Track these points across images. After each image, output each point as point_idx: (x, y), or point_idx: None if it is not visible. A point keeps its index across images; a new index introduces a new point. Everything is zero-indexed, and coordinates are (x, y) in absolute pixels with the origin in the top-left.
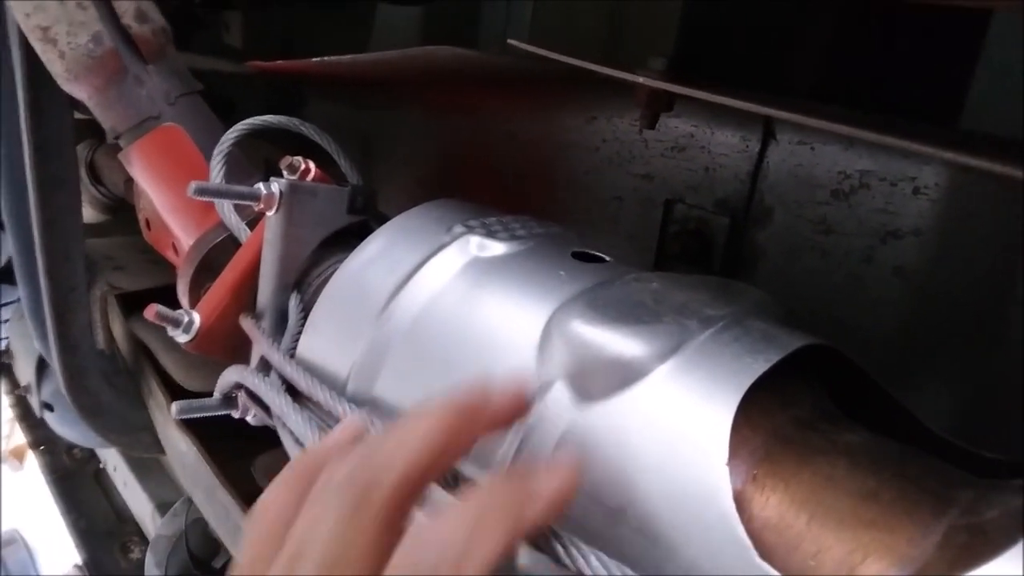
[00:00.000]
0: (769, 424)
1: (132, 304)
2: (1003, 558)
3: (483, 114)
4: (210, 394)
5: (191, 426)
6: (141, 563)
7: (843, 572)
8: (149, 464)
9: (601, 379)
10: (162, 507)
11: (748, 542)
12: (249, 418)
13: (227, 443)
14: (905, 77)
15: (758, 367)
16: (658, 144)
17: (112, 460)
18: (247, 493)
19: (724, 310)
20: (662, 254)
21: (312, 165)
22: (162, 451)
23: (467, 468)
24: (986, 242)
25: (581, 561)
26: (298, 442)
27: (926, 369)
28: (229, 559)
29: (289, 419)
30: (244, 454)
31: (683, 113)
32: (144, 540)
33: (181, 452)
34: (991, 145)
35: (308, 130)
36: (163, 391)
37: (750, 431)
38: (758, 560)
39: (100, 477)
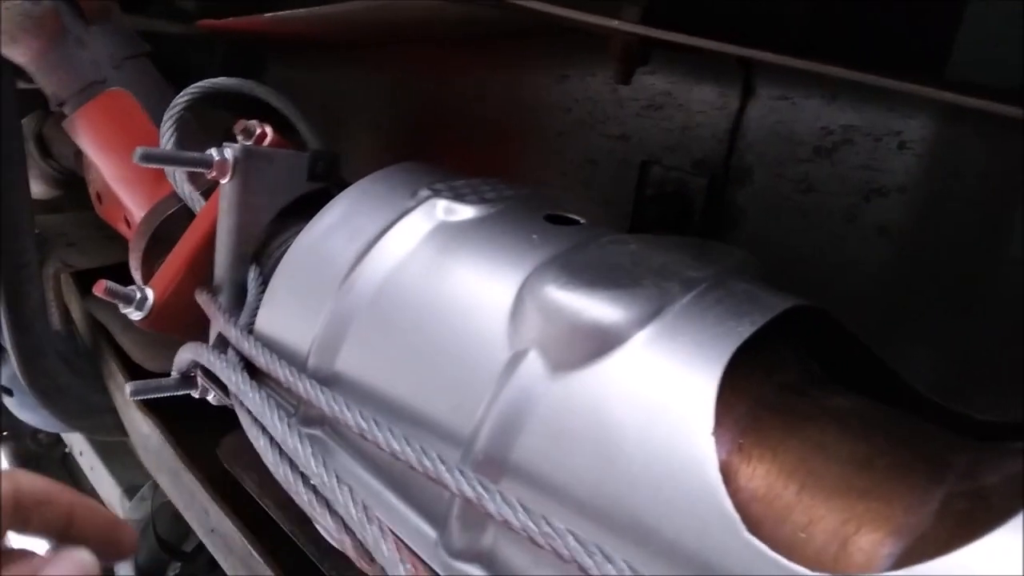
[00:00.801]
0: (754, 390)
1: (89, 282)
2: (1008, 526)
3: (450, 75)
4: (168, 374)
5: (153, 408)
6: None
7: (836, 544)
8: (116, 448)
9: (577, 347)
10: (130, 491)
11: (735, 515)
12: (210, 398)
13: (191, 424)
14: (890, 28)
15: (743, 331)
16: (633, 103)
17: (78, 444)
18: (213, 475)
19: (706, 271)
20: (639, 218)
21: (269, 129)
22: (125, 433)
23: (443, 449)
24: (973, 199)
25: (557, 542)
26: (256, 421)
27: (910, 331)
28: (199, 543)
29: (246, 398)
30: (209, 435)
31: (659, 70)
32: None
33: (144, 435)
34: (980, 92)
35: (264, 92)
36: (123, 372)
37: (734, 398)
38: (745, 534)
39: (67, 462)
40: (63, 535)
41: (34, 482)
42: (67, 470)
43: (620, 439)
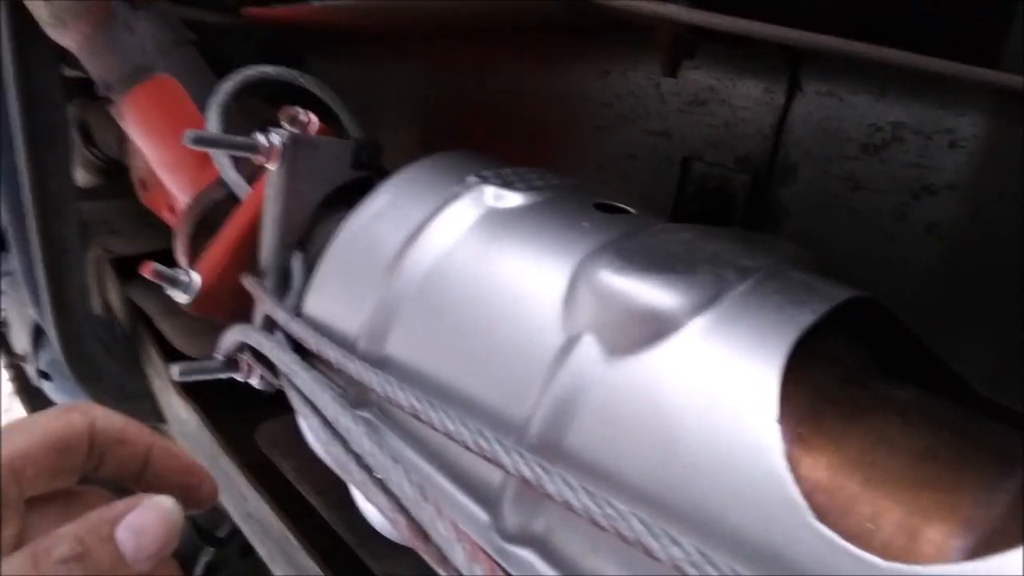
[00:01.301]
0: (814, 381)
1: (128, 269)
2: None
3: (490, 70)
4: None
5: (192, 393)
6: None
7: (904, 535)
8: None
9: (632, 331)
10: None
11: (802, 502)
12: (253, 381)
13: (229, 411)
14: (941, 19)
15: (804, 319)
16: (675, 98)
17: None
18: (250, 461)
19: (760, 261)
20: (679, 215)
21: (314, 117)
22: (162, 419)
23: (497, 430)
24: (1021, 196)
25: (621, 523)
26: (307, 401)
27: (960, 330)
28: (234, 528)
29: (298, 378)
30: (247, 421)
31: (703, 65)
32: None
33: (182, 420)
34: None
35: (308, 82)
36: (161, 357)
37: (795, 388)
38: (813, 521)
39: None
40: (138, 480)
41: (110, 418)
42: None
43: (679, 425)
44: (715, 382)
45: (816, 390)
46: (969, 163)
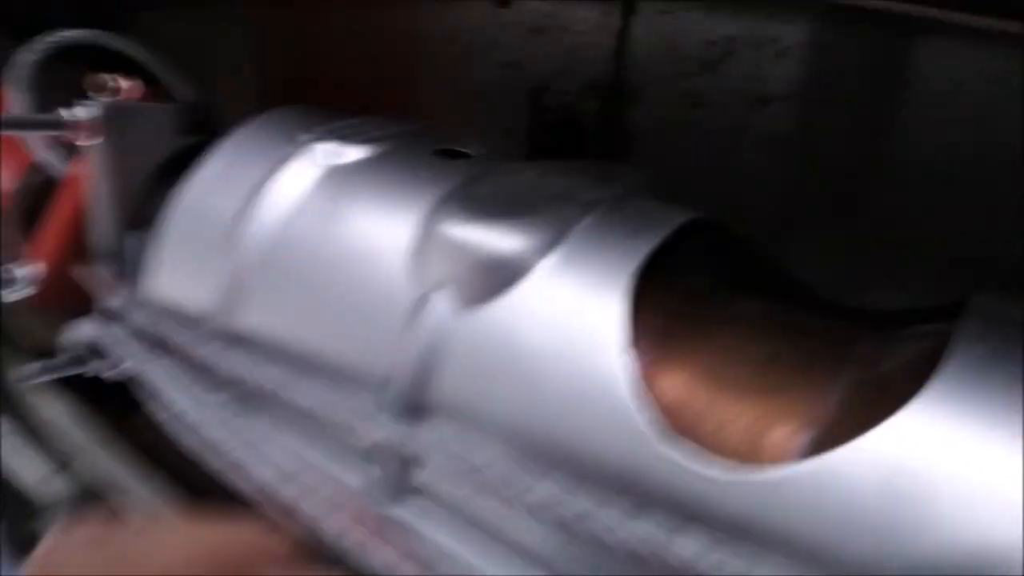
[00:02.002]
0: (663, 305)
1: None
2: (907, 409)
3: (319, 11)
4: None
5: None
6: None
7: (748, 443)
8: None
9: (483, 281)
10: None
11: (645, 428)
12: (107, 372)
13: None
14: None
15: (645, 247)
16: (518, 27)
17: None
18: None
19: (603, 192)
20: (534, 147)
21: (124, 82)
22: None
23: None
24: (855, 100)
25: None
26: (160, 393)
27: (802, 236)
28: None
29: (144, 370)
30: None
31: None
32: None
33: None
34: None
35: (121, 43)
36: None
37: (645, 313)
38: (658, 445)
39: None
40: None
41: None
42: None
43: (537, 368)
44: (564, 320)
45: (668, 313)
46: (798, 71)
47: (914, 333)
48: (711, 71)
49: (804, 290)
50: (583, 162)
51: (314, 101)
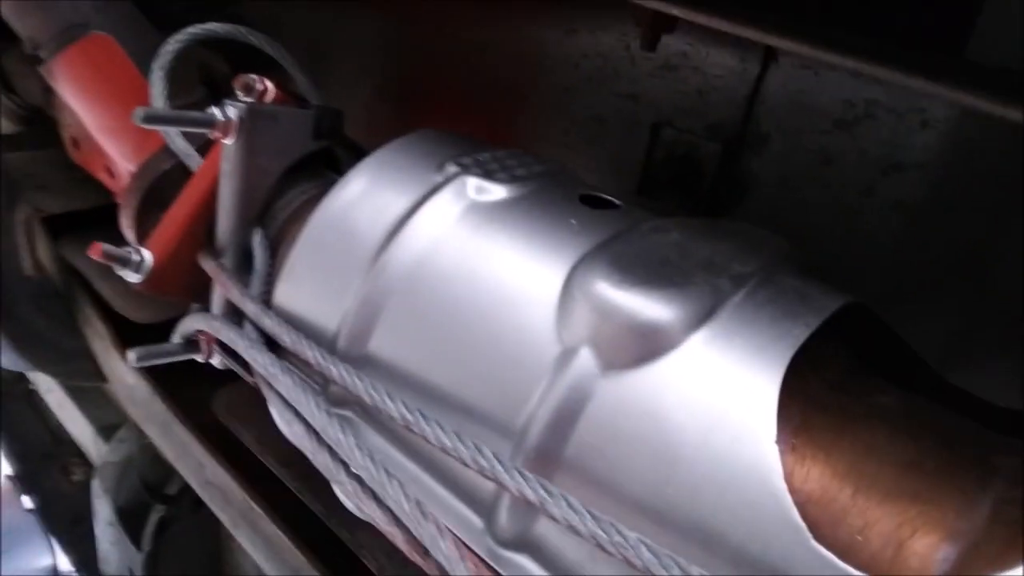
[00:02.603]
0: (804, 390)
1: (60, 226)
2: None
3: (451, 22)
4: (155, 330)
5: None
6: (84, 485)
7: (891, 547)
8: (84, 386)
9: (632, 346)
10: (104, 431)
11: (801, 523)
12: (214, 361)
13: (179, 374)
14: (914, 3)
15: (798, 333)
16: (646, 62)
17: (44, 381)
18: (206, 426)
19: (752, 265)
20: (647, 180)
21: (270, 84)
22: (103, 380)
23: (491, 441)
24: (988, 178)
25: (630, 552)
26: (288, 405)
27: (919, 303)
28: (184, 485)
29: (276, 381)
30: (197, 384)
31: (677, 30)
32: (85, 463)
33: (129, 385)
34: (997, 80)
35: (259, 40)
36: (102, 319)
37: (788, 399)
38: (812, 542)
39: (32, 399)
40: None
41: None
42: (32, 407)
43: (680, 443)
44: (714, 400)
45: (808, 399)
46: (938, 143)
47: None
48: (846, 131)
49: (935, 377)
50: (724, 223)
51: (431, 106)
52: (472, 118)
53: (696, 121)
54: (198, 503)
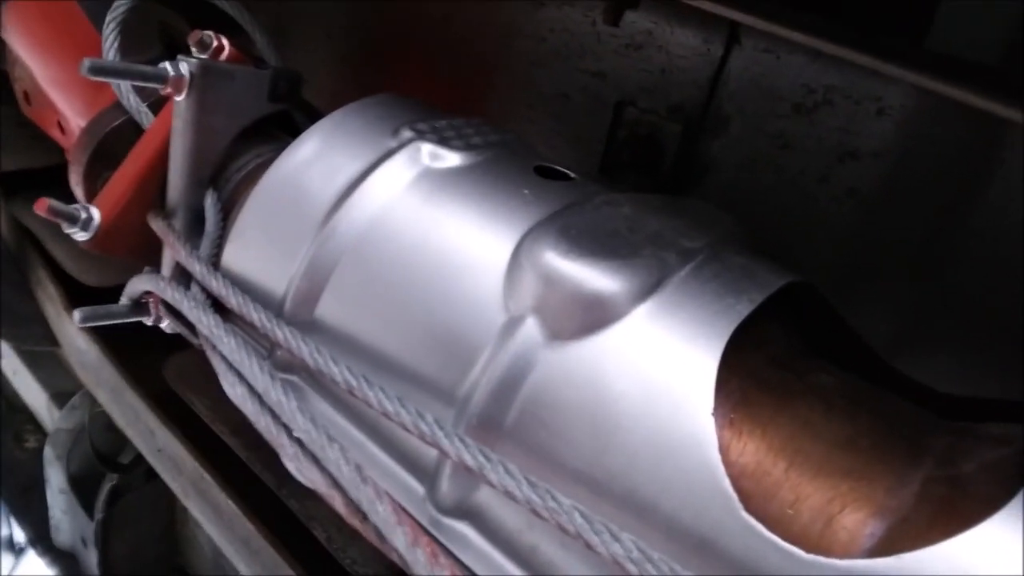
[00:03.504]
0: (745, 365)
1: (13, 185)
2: (995, 520)
3: None
4: (108, 294)
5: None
6: (38, 453)
7: (821, 521)
8: (39, 352)
9: (577, 316)
10: (57, 397)
11: (733, 493)
12: (163, 325)
13: (131, 338)
14: None
15: (741, 308)
16: (612, 39)
17: None
18: (158, 393)
19: (701, 241)
20: (610, 158)
21: (226, 42)
22: (55, 344)
23: (434, 407)
24: (943, 169)
25: (563, 517)
26: (231, 367)
27: (868, 291)
28: (136, 455)
29: (221, 343)
30: (150, 350)
31: (643, 7)
32: (39, 430)
33: (80, 350)
34: (957, 70)
35: None
36: (54, 282)
37: (728, 373)
38: (742, 513)
39: None
40: None
41: None
42: None
43: (619, 413)
44: (655, 372)
45: (748, 374)
46: (894, 131)
47: (991, 434)
48: (804, 116)
49: (878, 360)
50: (676, 200)
51: (394, 74)
52: (439, 88)
53: (659, 101)
54: (151, 473)
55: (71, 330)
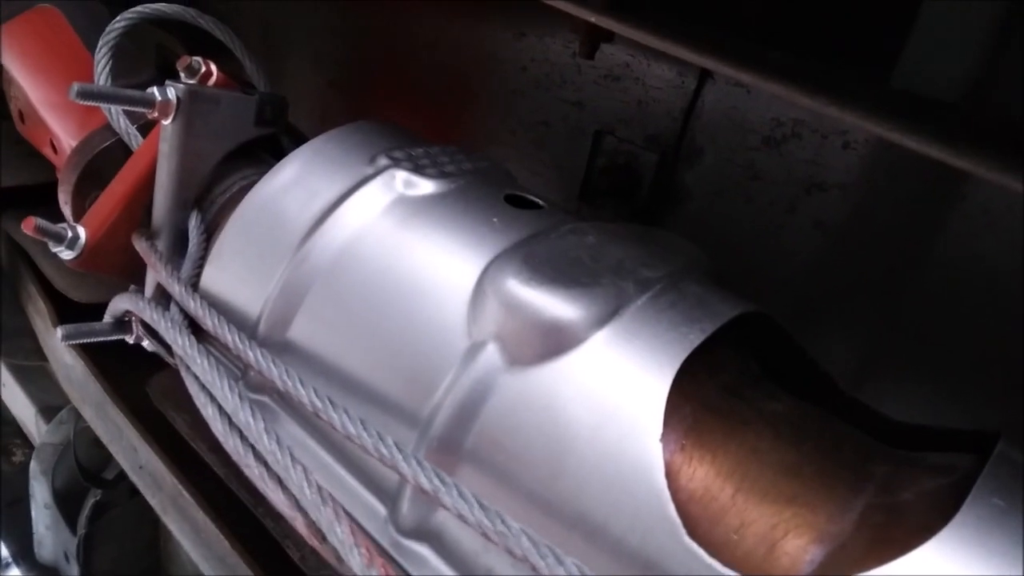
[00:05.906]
0: (698, 392)
1: (7, 201)
2: (926, 548)
3: (404, 15)
4: (98, 311)
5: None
6: (26, 467)
7: (764, 547)
8: (29, 366)
9: (536, 343)
10: (46, 411)
11: (678, 521)
12: (145, 344)
13: (118, 358)
14: (844, 24)
15: (693, 337)
16: (591, 70)
17: None
18: (141, 410)
19: (661, 270)
20: (588, 186)
21: (214, 68)
22: (44, 358)
23: (398, 430)
24: (907, 202)
25: (511, 540)
26: (204, 388)
27: (834, 319)
28: (120, 471)
29: (194, 364)
30: (137, 368)
31: (621, 40)
32: (27, 444)
33: (67, 365)
34: (917, 112)
35: (208, 23)
36: (44, 297)
37: (680, 399)
38: (686, 539)
39: None
40: None
41: None
42: None
43: (572, 437)
44: (607, 398)
45: (701, 401)
46: (859, 165)
47: (933, 463)
48: (774, 148)
49: (832, 387)
50: (641, 229)
51: (380, 98)
52: (424, 114)
53: (636, 131)
54: (135, 489)
55: (59, 346)
